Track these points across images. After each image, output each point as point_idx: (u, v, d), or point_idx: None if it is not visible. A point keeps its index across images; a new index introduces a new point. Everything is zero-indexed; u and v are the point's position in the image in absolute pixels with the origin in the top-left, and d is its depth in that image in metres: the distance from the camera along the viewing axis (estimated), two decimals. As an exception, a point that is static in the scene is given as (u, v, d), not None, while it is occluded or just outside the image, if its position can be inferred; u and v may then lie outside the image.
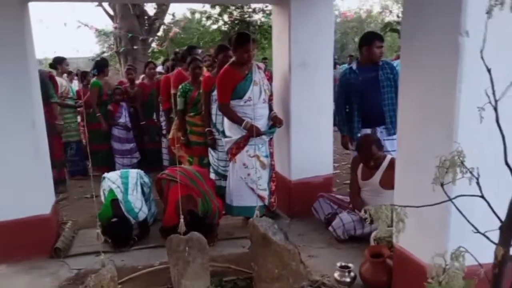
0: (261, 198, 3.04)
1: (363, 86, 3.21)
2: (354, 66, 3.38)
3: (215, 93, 3.46)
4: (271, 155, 3.17)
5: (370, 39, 3.20)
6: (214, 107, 3.48)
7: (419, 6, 1.80)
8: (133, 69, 5.34)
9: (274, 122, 3.11)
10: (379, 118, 3.13)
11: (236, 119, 2.97)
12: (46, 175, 2.92)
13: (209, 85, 3.50)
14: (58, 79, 4.63)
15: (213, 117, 3.50)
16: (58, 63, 4.78)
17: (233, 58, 3.06)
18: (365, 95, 3.21)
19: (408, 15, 1.92)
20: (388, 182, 2.59)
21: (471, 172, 1.17)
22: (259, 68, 3.09)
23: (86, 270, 2.51)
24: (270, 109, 3.16)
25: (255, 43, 2.99)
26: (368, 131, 3.23)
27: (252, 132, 2.88)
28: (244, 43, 2.93)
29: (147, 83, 4.94)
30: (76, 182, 4.64)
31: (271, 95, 3.17)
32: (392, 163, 2.66)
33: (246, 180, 2.98)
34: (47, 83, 3.93)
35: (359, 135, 3.29)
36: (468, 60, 1.55)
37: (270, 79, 3.21)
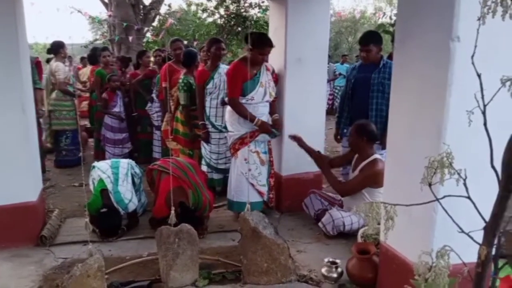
0: (260, 193, 3.06)
1: (355, 84, 3.27)
2: (358, 63, 3.44)
3: (209, 86, 3.48)
4: (269, 151, 3.19)
5: (359, 42, 3.24)
6: (208, 100, 3.48)
7: (413, 10, 1.83)
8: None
9: (275, 124, 3.12)
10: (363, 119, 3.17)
11: (246, 115, 2.93)
12: (34, 161, 2.87)
13: (203, 78, 3.50)
14: (60, 64, 4.54)
15: (207, 109, 3.50)
16: (61, 47, 4.62)
17: (246, 54, 3.02)
18: (355, 94, 3.26)
19: (402, 18, 1.95)
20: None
21: (458, 174, 1.20)
22: (267, 69, 3.10)
23: (72, 259, 2.48)
24: (274, 111, 3.17)
25: (271, 48, 2.98)
26: None
27: (264, 129, 2.92)
28: (263, 45, 2.92)
29: (139, 73, 4.83)
30: (64, 170, 4.56)
31: (275, 97, 3.17)
32: (371, 162, 2.72)
33: (247, 175, 2.98)
34: (32, 69, 3.86)
35: (345, 131, 3.36)
36: (459, 65, 1.59)
37: (276, 81, 3.22)
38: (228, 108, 3.13)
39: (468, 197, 1.21)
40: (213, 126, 3.51)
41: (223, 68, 3.51)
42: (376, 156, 2.76)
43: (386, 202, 1.26)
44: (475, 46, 1.18)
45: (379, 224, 1.27)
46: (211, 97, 3.49)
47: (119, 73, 4.99)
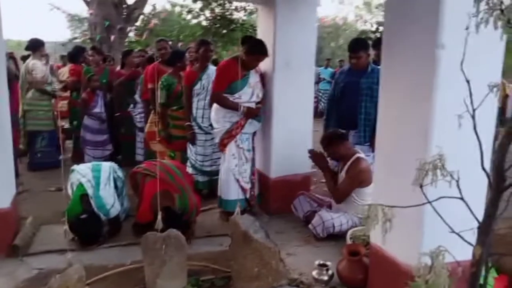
0: (244, 190, 3.09)
1: (344, 88, 3.33)
2: (346, 67, 3.50)
3: (196, 87, 3.46)
4: (253, 149, 3.21)
5: (348, 49, 3.30)
6: (195, 101, 3.46)
7: (399, 16, 1.87)
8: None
9: (257, 108, 3.13)
10: (351, 123, 3.22)
11: (231, 105, 2.99)
12: (8, 165, 2.71)
13: (191, 79, 3.49)
14: (37, 63, 4.36)
15: (194, 111, 3.48)
16: (40, 45, 4.43)
17: (241, 54, 3.04)
18: (343, 97, 3.32)
19: (388, 23, 1.99)
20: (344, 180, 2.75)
21: (451, 175, 1.20)
22: (256, 71, 3.13)
23: (49, 270, 2.31)
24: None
25: (267, 57, 3.05)
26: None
27: (250, 113, 2.98)
28: (261, 53, 2.98)
29: (124, 73, 4.67)
30: (38, 174, 4.33)
31: (262, 99, 3.19)
32: (354, 162, 2.75)
33: (234, 171, 3.01)
34: (10, 63, 3.72)
35: None
36: (444, 71, 1.63)
37: (264, 84, 3.23)
38: (214, 106, 3.13)
39: (461, 198, 1.22)
40: (200, 127, 3.48)
41: (212, 69, 3.48)
42: (358, 155, 2.81)
43: (382, 204, 1.25)
44: (464, 54, 1.22)
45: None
46: (199, 98, 3.47)
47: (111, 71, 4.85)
